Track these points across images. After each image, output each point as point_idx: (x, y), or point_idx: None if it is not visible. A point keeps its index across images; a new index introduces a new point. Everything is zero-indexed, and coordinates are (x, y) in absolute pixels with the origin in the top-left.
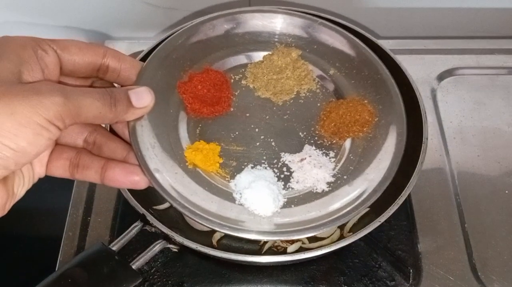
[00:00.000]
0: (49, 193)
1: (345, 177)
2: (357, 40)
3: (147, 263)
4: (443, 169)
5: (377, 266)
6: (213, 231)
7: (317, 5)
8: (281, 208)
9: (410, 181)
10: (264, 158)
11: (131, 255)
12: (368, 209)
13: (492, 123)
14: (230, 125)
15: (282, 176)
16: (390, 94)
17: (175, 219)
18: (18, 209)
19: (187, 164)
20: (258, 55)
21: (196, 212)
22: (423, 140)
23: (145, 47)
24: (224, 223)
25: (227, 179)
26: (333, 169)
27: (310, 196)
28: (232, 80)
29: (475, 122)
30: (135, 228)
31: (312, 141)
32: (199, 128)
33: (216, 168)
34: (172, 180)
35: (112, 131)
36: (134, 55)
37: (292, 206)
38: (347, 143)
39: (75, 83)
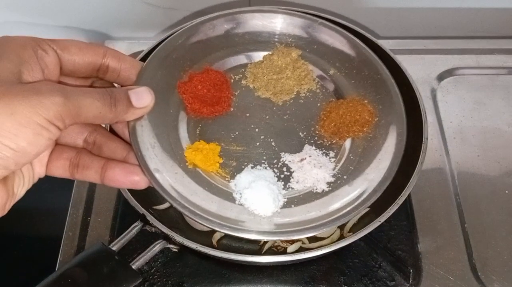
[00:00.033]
0: (49, 193)
1: (345, 177)
2: (357, 40)
3: (147, 263)
4: (443, 169)
5: (377, 266)
6: (213, 231)
7: (317, 5)
8: (281, 208)
9: (410, 181)
10: (264, 158)
11: (131, 255)
12: (368, 209)
13: (492, 123)
14: (230, 125)
15: (282, 176)
16: (390, 94)
17: (175, 219)
18: (18, 209)
19: (187, 164)
20: (258, 55)
21: (196, 212)
22: (423, 140)
23: (145, 47)
24: (224, 223)
25: (227, 179)
26: (333, 169)
27: (310, 196)
28: (232, 80)
29: (475, 122)
30: (135, 228)
31: (312, 141)
32: (199, 128)
33: (216, 168)
34: (172, 180)
35: (112, 131)
36: (134, 55)
37: (292, 206)
38: (347, 143)
39: (75, 83)
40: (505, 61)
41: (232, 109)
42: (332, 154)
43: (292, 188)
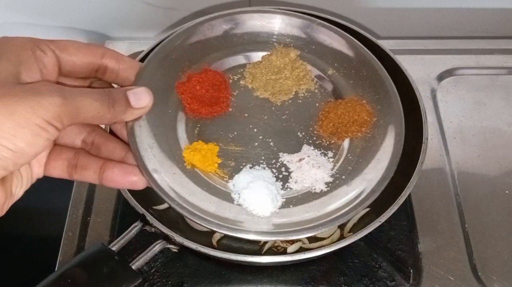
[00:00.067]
0: (49, 193)
1: (343, 177)
2: (356, 40)
3: (147, 263)
4: (443, 169)
5: (377, 266)
6: (213, 231)
7: (317, 5)
8: (280, 208)
9: (410, 181)
10: (263, 158)
11: (131, 255)
12: (368, 209)
13: (492, 123)
14: (228, 126)
15: (280, 176)
16: (389, 95)
17: (175, 219)
18: (18, 209)
19: (185, 164)
20: (257, 56)
21: (194, 212)
22: (423, 140)
23: (145, 47)
24: (222, 223)
25: (225, 179)
26: (332, 169)
27: (308, 196)
28: (230, 81)
29: (475, 122)
30: (135, 228)
31: (310, 141)
32: (197, 128)
33: (215, 168)
34: (170, 180)
35: (111, 132)
36: (134, 55)
37: (291, 206)
38: (346, 143)
39: (74, 84)
40: (505, 61)
41: (230, 109)
42: (330, 154)
43: (291, 188)
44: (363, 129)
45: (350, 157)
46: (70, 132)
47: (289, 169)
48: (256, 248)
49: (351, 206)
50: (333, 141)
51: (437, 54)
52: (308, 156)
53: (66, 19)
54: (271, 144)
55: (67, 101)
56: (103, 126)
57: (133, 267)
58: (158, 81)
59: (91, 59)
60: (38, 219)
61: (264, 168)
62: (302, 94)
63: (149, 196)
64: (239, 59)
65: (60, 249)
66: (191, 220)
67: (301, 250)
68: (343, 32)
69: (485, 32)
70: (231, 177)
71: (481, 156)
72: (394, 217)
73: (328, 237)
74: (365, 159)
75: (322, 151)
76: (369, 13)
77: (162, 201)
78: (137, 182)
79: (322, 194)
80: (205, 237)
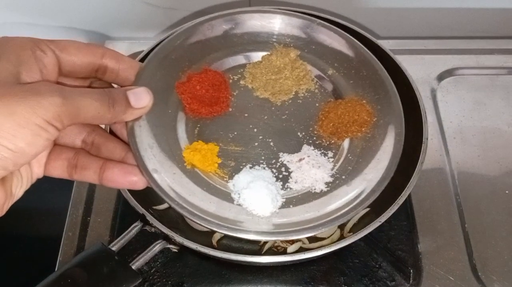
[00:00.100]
0: (49, 193)
1: (343, 177)
2: (356, 40)
3: (147, 263)
4: (443, 169)
5: (377, 266)
6: (213, 231)
7: (317, 5)
8: (280, 208)
9: (410, 181)
10: (263, 158)
11: (131, 255)
12: (368, 209)
13: (492, 123)
14: (228, 126)
15: (280, 176)
16: (389, 95)
17: (175, 219)
18: (18, 209)
19: (185, 164)
20: (257, 56)
21: (194, 212)
22: (423, 140)
23: (145, 47)
24: (222, 223)
25: (225, 179)
26: (332, 169)
27: (308, 196)
28: (230, 81)
29: (475, 122)
30: (135, 228)
31: (310, 141)
32: (197, 128)
33: (215, 168)
34: (170, 180)
35: (112, 132)
36: (134, 55)
37: (291, 206)
38: (346, 143)
39: (74, 84)
40: (505, 61)
41: (230, 109)
42: (330, 154)
43: (291, 188)
44: (363, 129)
45: (350, 157)
46: (70, 132)
47: (289, 169)
48: (256, 248)
49: (351, 206)
50: (333, 141)
51: (437, 54)
52: (308, 156)
53: (66, 19)
54: (271, 144)
55: (67, 101)
56: (103, 126)
57: (133, 267)
58: (158, 81)
59: (91, 59)
60: (38, 219)
61: (264, 168)
62: (302, 94)
63: (149, 196)
64: (239, 59)
65: (60, 249)
66: (191, 220)
67: (301, 250)
68: (343, 32)
69: (485, 32)
70: (231, 177)
71: (481, 156)
72: (394, 217)
73: (328, 237)
74: (365, 159)
75: (322, 151)
76: (369, 13)
77: (162, 201)
78: (137, 182)
79: (322, 194)
80: (205, 237)
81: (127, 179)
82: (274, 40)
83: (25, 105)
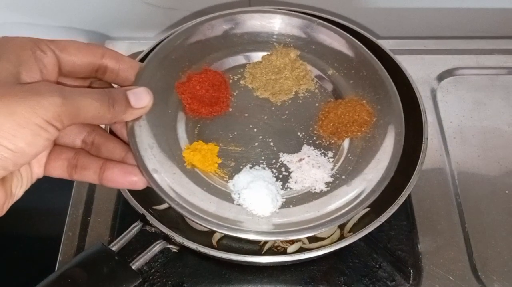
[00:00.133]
0: (49, 193)
1: (343, 177)
2: (356, 40)
3: (147, 263)
4: (443, 169)
5: (377, 266)
6: (213, 231)
7: (317, 5)
8: (280, 208)
9: (410, 181)
10: (263, 158)
11: (131, 255)
12: (368, 209)
13: (492, 123)
14: (228, 126)
15: (280, 176)
16: (389, 95)
17: (175, 219)
18: (18, 209)
19: (185, 164)
20: (257, 56)
21: (194, 212)
22: (423, 140)
23: (145, 47)
24: (222, 223)
25: (225, 179)
26: (332, 169)
27: (308, 196)
28: (230, 81)
29: (475, 122)
30: (135, 228)
31: (310, 141)
32: (197, 128)
33: (215, 168)
34: (170, 180)
35: (112, 132)
36: (134, 55)
37: (291, 206)
38: (346, 143)
39: (74, 84)
40: (505, 61)
41: (230, 109)
42: (330, 154)
43: (291, 188)
44: (363, 129)
45: (350, 157)
46: (70, 132)
47: (289, 169)
48: (256, 248)
49: (351, 206)
50: (333, 141)
51: (437, 54)
52: (308, 156)
53: (66, 19)
54: (271, 144)
55: (67, 101)
56: (103, 126)
57: (133, 267)
58: (158, 81)
59: (91, 59)
60: (38, 219)
61: (264, 168)
62: (302, 94)
63: (149, 196)
64: (239, 59)
65: (60, 249)
66: (191, 220)
67: (301, 250)
68: (343, 32)
69: (485, 32)
70: (231, 177)
71: (481, 156)
72: (394, 217)
73: (328, 237)
74: (365, 159)
75: (322, 151)
76: (369, 13)
77: (162, 201)
78: (137, 182)
79: (322, 194)
80: (205, 237)
81: (127, 179)
82: (274, 40)
83: (25, 105)
